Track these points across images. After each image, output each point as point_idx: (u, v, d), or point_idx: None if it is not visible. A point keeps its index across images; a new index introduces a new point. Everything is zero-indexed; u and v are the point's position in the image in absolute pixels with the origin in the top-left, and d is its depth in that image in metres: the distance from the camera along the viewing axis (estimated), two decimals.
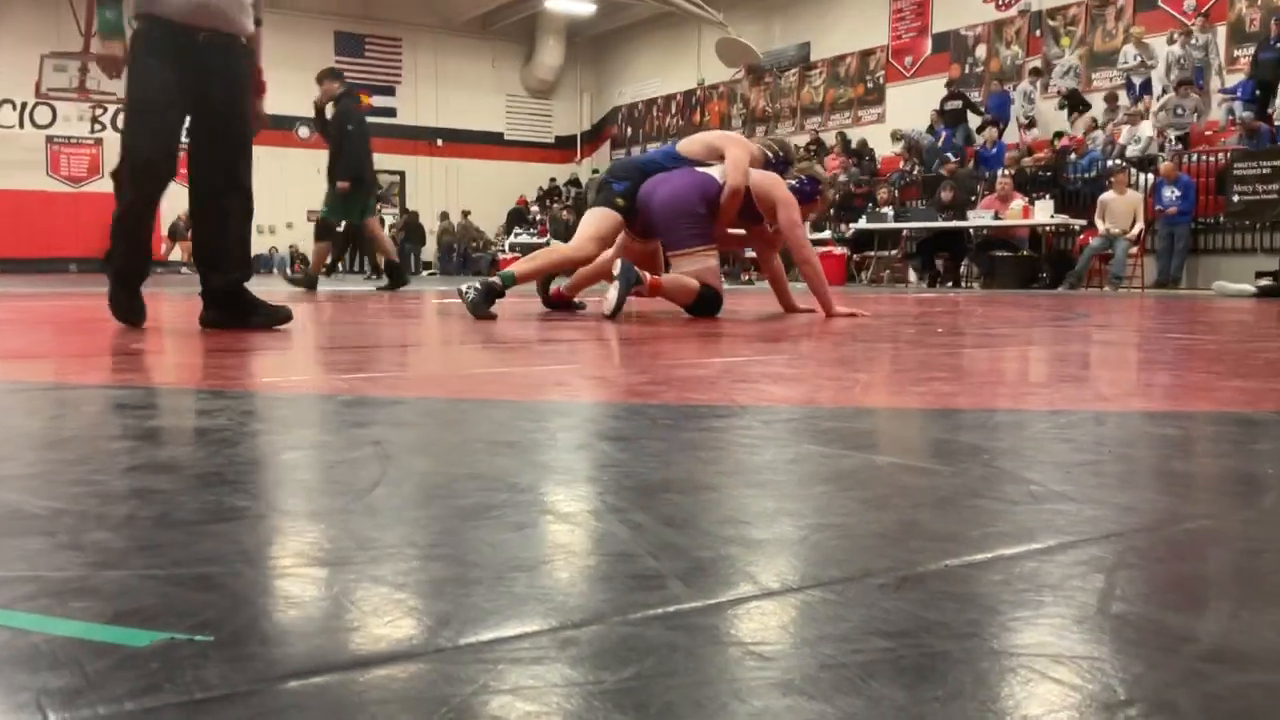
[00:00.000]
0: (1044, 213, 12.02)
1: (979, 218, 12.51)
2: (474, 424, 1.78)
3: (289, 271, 16.91)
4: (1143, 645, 0.72)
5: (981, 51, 16.84)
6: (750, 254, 11.54)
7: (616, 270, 4.76)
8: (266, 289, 5.59)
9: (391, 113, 23.94)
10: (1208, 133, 12.92)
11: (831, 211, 14.03)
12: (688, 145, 5.36)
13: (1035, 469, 1.36)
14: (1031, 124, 15.16)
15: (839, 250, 13.99)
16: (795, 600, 0.82)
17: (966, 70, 16.95)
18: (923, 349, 3.42)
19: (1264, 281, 9.38)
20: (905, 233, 13.86)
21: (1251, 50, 12.90)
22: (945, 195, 13.01)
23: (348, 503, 1.14)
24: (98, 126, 21.33)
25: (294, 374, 2.77)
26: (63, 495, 1.17)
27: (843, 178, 15.46)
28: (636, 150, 23.62)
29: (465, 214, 23.34)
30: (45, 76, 20.61)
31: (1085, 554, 0.95)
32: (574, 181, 25.12)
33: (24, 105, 20.78)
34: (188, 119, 3.87)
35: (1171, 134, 12.52)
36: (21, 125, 20.84)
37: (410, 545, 0.96)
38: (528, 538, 1.00)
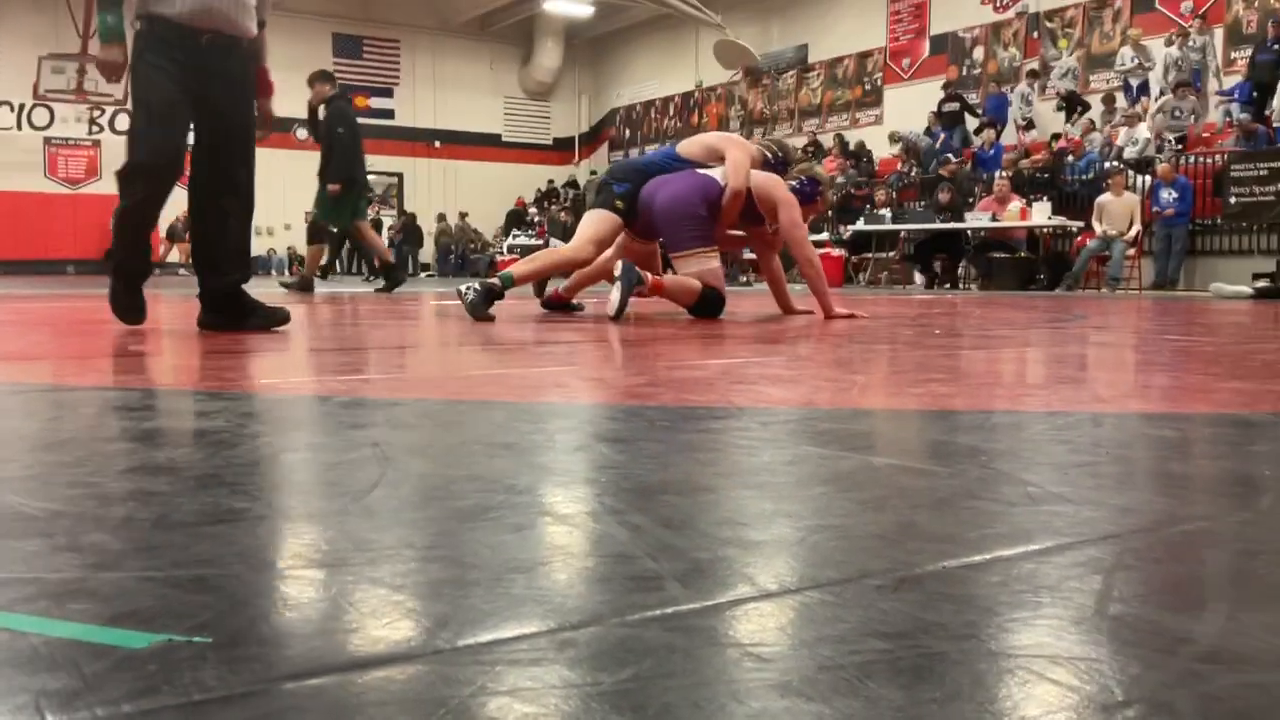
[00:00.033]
0: (1041, 214, 12.04)
1: (977, 219, 12.52)
2: (472, 426, 1.78)
3: (286, 274, 16.91)
4: (1140, 646, 0.72)
5: (979, 53, 16.85)
6: (749, 255, 11.55)
7: (618, 272, 4.77)
8: (265, 291, 5.59)
9: (389, 114, 23.95)
10: (1205, 135, 12.94)
11: (830, 213, 14.03)
12: (687, 147, 5.37)
13: (1033, 470, 1.36)
14: (1029, 126, 15.18)
15: (836, 252, 14.00)
16: (793, 602, 0.82)
17: (964, 72, 16.96)
18: (920, 350, 3.42)
19: (1261, 283, 9.40)
20: (903, 234, 13.86)
21: (1249, 52, 12.92)
22: (943, 197, 13.02)
23: (346, 504, 1.14)
24: (95, 128, 21.33)
25: (292, 376, 2.77)
26: (60, 497, 1.17)
27: (840, 179, 15.46)
28: (634, 152, 23.64)
29: (463, 215, 23.35)
30: (43, 78, 20.65)
31: (1083, 555, 0.95)
32: (572, 183, 25.14)
33: (22, 107, 20.78)
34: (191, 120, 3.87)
35: (1170, 136, 12.53)
36: (19, 127, 20.83)
37: (408, 547, 0.96)
38: (526, 539, 1.00)
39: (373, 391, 2.30)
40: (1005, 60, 16.40)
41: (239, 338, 3.63)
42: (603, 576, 0.88)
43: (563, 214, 21.30)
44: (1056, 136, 14.29)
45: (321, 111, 9.01)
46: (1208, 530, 1.07)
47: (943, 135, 15.85)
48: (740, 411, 1.90)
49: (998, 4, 16.53)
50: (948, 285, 12.97)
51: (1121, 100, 13.97)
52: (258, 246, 19.79)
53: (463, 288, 4.82)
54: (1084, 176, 12.99)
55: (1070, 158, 13.43)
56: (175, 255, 20.29)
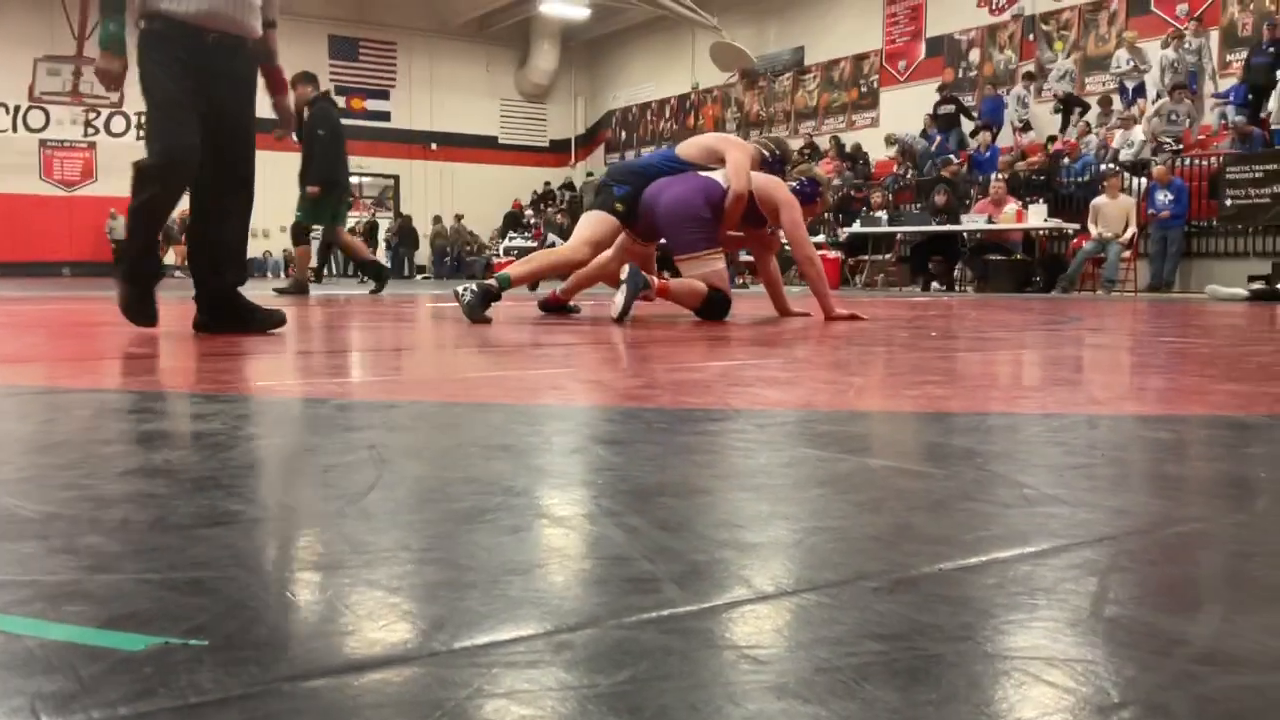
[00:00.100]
0: (1037, 216, 12.05)
1: (973, 221, 12.54)
2: (469, 428, 1.78)
3: (282, 277, 16.89)
4: (1135, 648, 0.72)
5: (975, 56, 16.88)
6: (745, 257, 11.56)
7: (624, 275, 4.78)
8: (260, 294, 5.59)
9: (386, 116, 23.95)
10: (1200, 137, 12.96)
11: (827, 215, 14.05)
12: (686, 149, 5.37)
13: (1028, 472, 1.37)
14: (1025, 128, 15.20)
15: (833, 254, 14.01)
16: (790, 604, 0.82)
17: (960, 74, 16.99)
18: (916, 353, 3.43)
19: (1256, 285, 9.41)
20: (899, 237, 13.88)
21: (1244, 55, 12.95)
22: (939, 199, 13.03)
23: (342, 506, 1.14)
24: (91, 130, 21.31)
25: (288, 378, 2.76)
26: (56, 499, 1.17)
27: (837, 182, 15.48)
28: (630, 154, 23.66)
29: (458, 218, 23.34)
30: (38, 80, 20.63)
31: (1078, 557, 0.95)
32: (568, 185, 25.14)
33: (17, 109, 20.75)
34: None
35: (1168, 139, 12.54)
36: (14, 129, 20.81)
37: (405, 549, 0.96)
38: (522, 541, 1.00)
39: (369, 394, 2.30)
40: (1001, 63, 16.43)
41: (235, 340, 3.62)
42: (599, 579, 0.88)
43: (559, 216, 21.30)
44: (1053, 139, 14.31)
45: (305, 113, 8.99)
46: (1203, 532, 1.07)
47: (939, 138, 15.88)
48: (737, 414, 1.90)
49: (994, 6, 16.56)
50: (944, 287, 12.98)
51: (1117, 103, 14.00)
52: (253, 249, 19.74)
53: (459, 289, 4.82)
54: (1080, 179, 13.00)
55: (1066, 160, 13.45)
56: (171, 257, 20.26)
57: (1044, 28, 15.89)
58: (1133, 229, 11.54)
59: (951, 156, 14.70)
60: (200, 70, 3.77)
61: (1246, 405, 2.14)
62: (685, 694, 0.63)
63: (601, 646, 0.71)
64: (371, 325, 5.06)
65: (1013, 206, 12.18)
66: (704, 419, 1.84)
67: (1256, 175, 11.33)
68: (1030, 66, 15.72)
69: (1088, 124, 13.98)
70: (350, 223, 22.61)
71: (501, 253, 20.38)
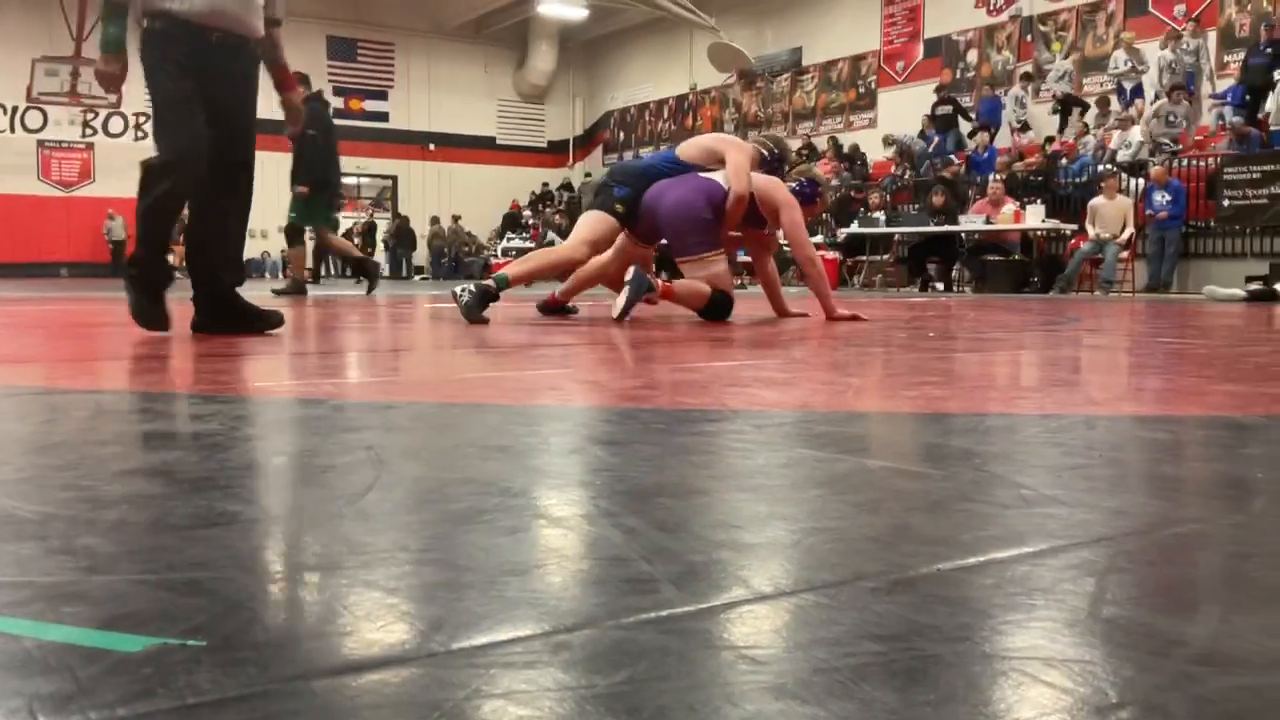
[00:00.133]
0: (1035, 217, 12.06)
1: (970, 222, 12.54)
2: (466, 428, 1.78)
3: (280, 277, 16.87)
4: (1134, 649, 0.72)
5: (973, 56, 16.89)
6: (743, 258, 11.56)
7: (629, 276, 4.80)
8: (258, 295, 5.58)
9: (384, 117, 23.95)
10: (1198, 138, 12.97)
11: (825, 216, 14.05)
12: (686, 149, 5.38)
13: (1026, 473, 1.37)
14: (1023, 129, 15.21)
15: (831, 255, 14.02)
16: (788, 604, 0.82)
17: (958, 75, 17.00)
18: (914, 353, 3.43)
19: (1254, 286, 9.42)
20: (897, 237, 13.88)
21: (1241, 55, 12.96)
22: (936, 200, 13.04)
23: (340, 507, 1.14)
24: (89, 131, 21.30)
25: (286, 379, 2.76)
26: (54, 500, 1.17)
27: (835, 183, 15.49)
28: (629, 155, 23.65)
29: (455, 218, 23.34)
30: (36, 80, 20.62)
31: (1076, 558, 0.95)
32: (566, 186, 25.14)
33: (15, 109, 20.74)
34: None
35: (1166, 140, 12.55)
36: (12, 129, 20.80)
37: (402, 550, 0.96)
38: (520, 542, 1.00)
39: (366, 394, 2.30)
40: (999, 63, 16.44)
41: (232, 341, 3.62)
42: (597, 579, 0.88)
43: (557, 216, 21.30)
44: (1050, 140, 14.33)
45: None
46: (1201, 533, 1.07)
47: (936, 139, 15.88)
48: (735, 414, 1.90)
49: (991, 7, 16.57)
50: (942, 288, 12.98)
51: (1115, 104, 14.01)
52: (252, 249, 19.75)
53: (458, 290, 4.82)
54: (1077, 180, 13.02)
55: (1064, 161, 13.46)
56: (170, 259, 20.20)
57: (1041, 28, 15.90)
58: (1130, 230, 11.55)
59: (952, 158, 14.70)
60: (203, 70, 3.76)
61: (1244, 406, 2.14)
62: (683, 694, 0.63)
63: (599, 647, 0.71)
64: (369, 326, 5.05)
65: (1010, 207, 12.19)
66: (702, 420, 1.84)
67: (1254, 176, 11.34)
68: (1028, 67, 15.73)
69: (1085, 125, 13.99)
70: (348, 223, 22.64)
71: (500, 253, 20.38)
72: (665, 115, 23.62)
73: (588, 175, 25.20)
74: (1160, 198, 11.58)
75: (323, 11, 22.64)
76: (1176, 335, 4.56)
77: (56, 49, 20.38)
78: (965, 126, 15.94)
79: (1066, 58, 15.36)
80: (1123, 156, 12.77)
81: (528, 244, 19.57)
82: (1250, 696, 0.65)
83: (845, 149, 17.69)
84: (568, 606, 0.81)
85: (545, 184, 25.26)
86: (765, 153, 5.43)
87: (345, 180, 23.67)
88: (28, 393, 2.26)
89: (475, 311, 4.67)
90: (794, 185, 5.37)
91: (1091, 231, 11.70)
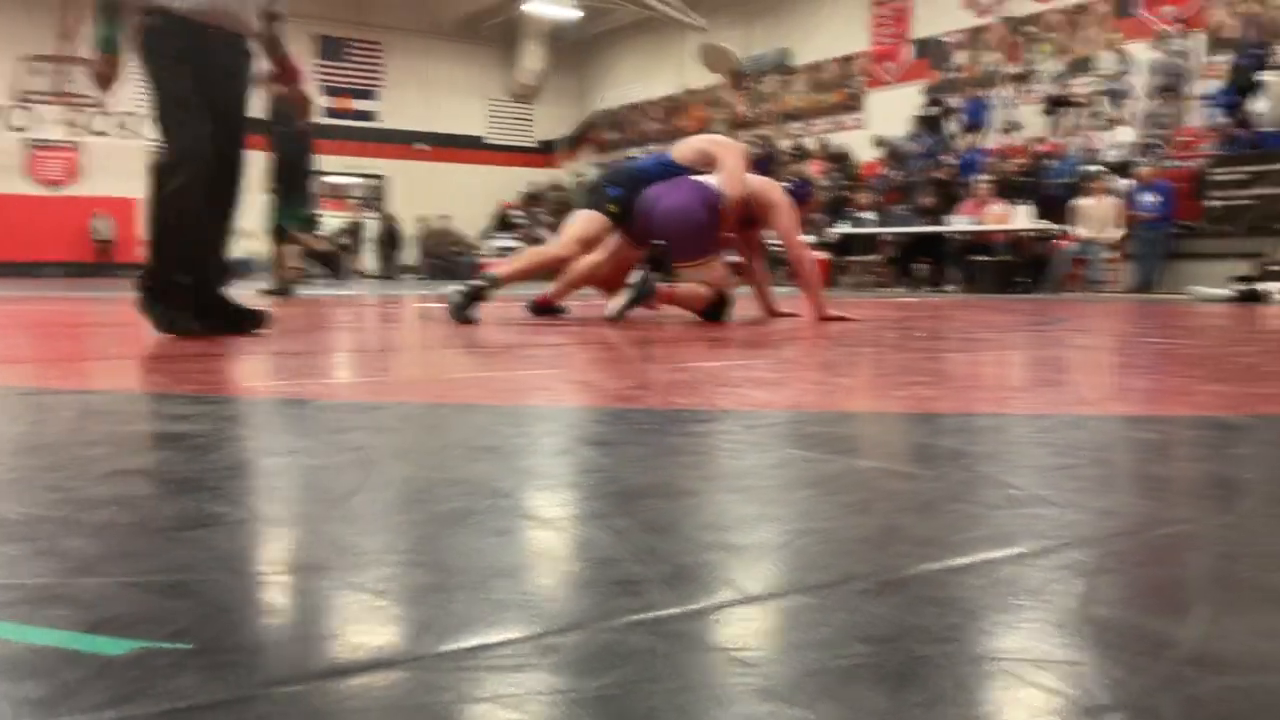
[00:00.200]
0: (1023, 218, 12.09)
1: (959, 223, 12.57)
2: (455, 429, 1.77)
3: (268, 277, 16.80)
4: (1124, 650, 0.72)
5: (961, 58, 16.92)
6: (732, 258, 11.55)
7: (632, 279, 4.86)
8: (247, 295, 5.56)
9: (373, 116, 23.89)
10: (1186, 138, 13.02)
11: (814, 216, 14.06)
12: (681, 151, 5.38)
13: (1015, 473, 1.37)
14: (1011, 129, 15.24)
15: (820, 255, 14.02)
16: (777, 606, 0.81)
17: (946, 76, 17.03)
18: (904, 353, 3.43)
19: (1240, 286, 9.46)
20: (886, 237, 13.90)
21: (1229, 57, 13.01)
22: (925, 201, 13.07)
23: (327, 509, 1.13)
24: (75, 130, 21.19)
25: (273, 379, 2.75)
26: (40, 502, 1.16)
27: (825, 183, 15.50)
28: (618, 155, 23.64)
29: (443, 218, 23.29)
30: (23, 79, 20.51)
31: (1066, 558, 0.95)
32: (556, 186, 25.12)
33: (0, 108, 20.63)
34: None
35: (1154, 140, 12.59)
36: None
37: (390, 552, 0.96)
38: (509, 544, 1.00)
39: (355, 395, 2.29)
40: (987, 65, 16.47)
41: (219, 341, 3.60)
42: (586, 581, 0.88)
43: (547, 216, 21.27)
44: (1038, 141, 14.36)
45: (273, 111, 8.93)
46: (1190, 533, 1.07)
47: (926, 140, 15.90)
48: (725, 415, 1.90)
49: (979, 9, 16.61)
50: (931, 288, 13.01)
51: (1103, 104, 14.04)
52: (240, 249, 19.67)
53: (448, 289, 4.81)
54: (1065, 180, 13.05)
55: (1051, 162, 13.49)
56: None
57: (1030, 30, 15.94)
58: (1116, 230, 11.59)
59: (948, 159, 14.70)
60: (200, 67, 3.74)
61: (1231, 406, 2.14)
62: (672, 697, 0.63)
63: (588, 649, 0.71)
64: (357, 326, 5.04)
65: (998, 208, 12.22)
66: (692, 420, 1.84)
67: (1241, 177, 11.39)
68: (1016, 68, 15.76)
69: (1074, 125, 14.02)
70: (337, 222, 22.54)
71: (491, 252, 20.34)
72: (656, 115, 23.59)
73: (579, 175, 25.18)
74: (1147, 198, 11.61)
75: (312, 10, 22.55)
76: (1163, 335, 4.58)
77: (43, 48, 20.27)
78: (953, 127, 15.96)
79: (1054, 59, 15.39)
80: (1110, 157, 12.81)
81: (516, 244, 19.52)
82: (1241, 698, 0.65)
83: (834, 150, 17.70)
84: (556, 608, 0.80)
85: (534, 184, 25.21)
86: (757, 153, 5.45)
87: (335, 180, 23.72)
88: (14, 393, 2.25)
89: (465, 312, 4.66)
90: (787, 185, 5.41)
91: (1078, 232, 11.73)
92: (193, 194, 3.73)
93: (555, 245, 5.33)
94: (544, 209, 22.61)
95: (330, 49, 23.32)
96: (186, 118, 3.69)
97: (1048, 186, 13.11)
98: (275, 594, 0.85)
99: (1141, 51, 13.60)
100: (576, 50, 25.54)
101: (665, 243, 5.19)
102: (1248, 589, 0.89)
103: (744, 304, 5.38)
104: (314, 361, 3.18)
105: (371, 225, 23.65)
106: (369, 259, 23.23)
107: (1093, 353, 3.68)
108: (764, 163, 5.52)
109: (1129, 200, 11.86)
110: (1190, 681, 0.67)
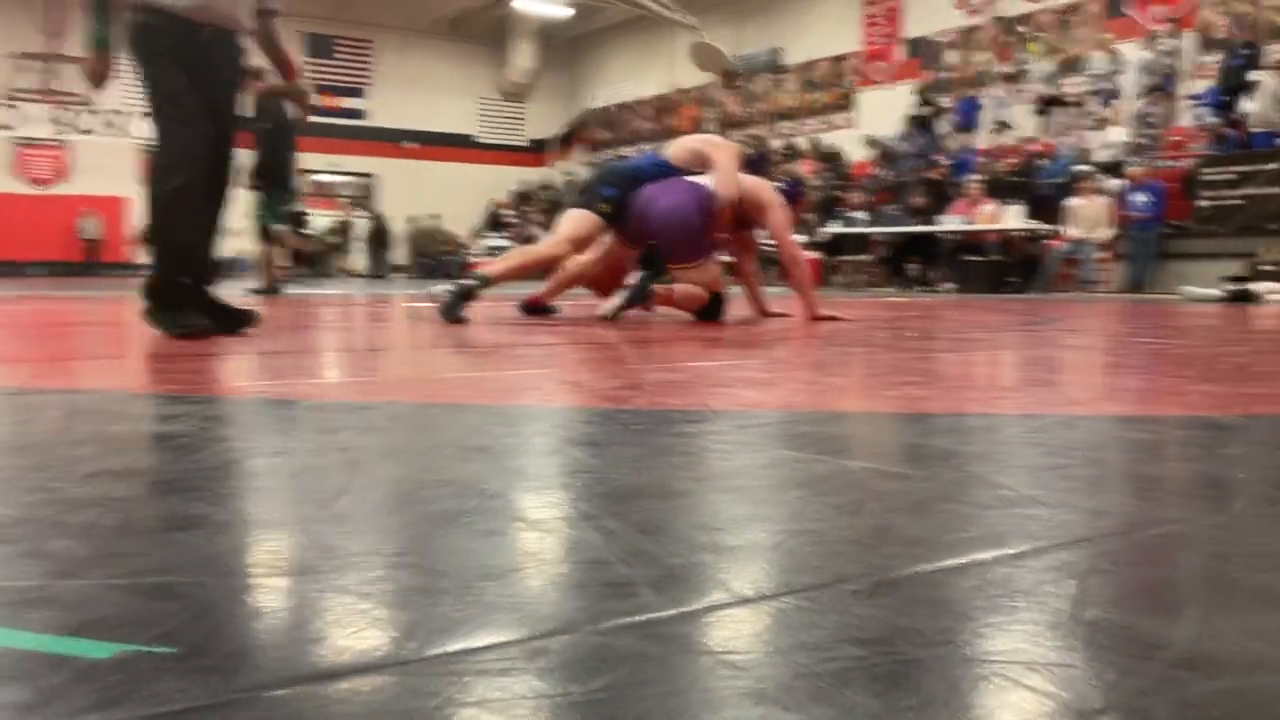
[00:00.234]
0: (1014, 218, 12.11)
1: (950, 223, 12.59)
2: (444, 429, 1.76)
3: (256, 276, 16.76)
4: (1116, 652, 0.71)
5: (952, 57, 16.95)
6: (724, 258, 11.57)
7: (632, 279, 4.89)
8: (235, 294, 5.55)
9: (361, 114, 23.85)
10: (1176, 138, 13.06)
11: (807, 216, 14.07)
12: (674, 152, 5.38)
13: (1007, 473, 1.36)
14: (1002, 129, 15.27)
15: (811, 255, 14.03)
16: (768, 608, 0.81)
17: (937, 76, 17.05)
18: (895, 353, 3.43)
19: (1230, 286, 9.49)
20: (878, 237, 13.92)
21: (1219, 57, 13.05)
22: (917, 201, 13.09)
23: (313, 510, 1.12)
24: (63, 128, 21.12)
25: (260, 379, 2.74)
26: (22, 503, 1.15)
27: (816, 183, 15.50)
28: (610, 154, 23.63)
29: (433, 217, 23.25)
30: (10, 77, 20.42)
31: (1057, 559, 0.94)
32: (547, 185, 25.10)
33: None
34: None
35: (1145, 140, 12.62)
36: None
37: (377, 554, 0.95)
38: (497, 545, 0.99)
39: (343, 395, 2.28)
40: (978, 64, 16.50)
41: (206, 340, 3.59)
42: (576, 583, 0.87)
43: (538, 215, 21.25)
44: (1030, 140, 14.38)
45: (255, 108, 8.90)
46: (1181, 534, 1.07)
47: (917, 139, 15.92)
48: (716, 415, 1.89)
49: (970, 8, 16.64)
50: (922, 288, 13.03)
51: (1093, 104, 14.07)
52: (228, 248, 19.60)
53: (437, 289, 4.80)
54: (1056, 180, 13.07)
55: (1043, 161, 13.51)
56: (145, 257, 20.07)
57: (1020, 30, 15.97)
58: (1107, 229, 11.61)
59: (940, 159, 14.72)
60: (193, 65, 3.71)
61: (1222, 406, 2.15)
62: (662, 701, 0.62)
63: (577, 653, 0.70)
64: (346, 326, 5.02)
65: (989, 208, 12.24)
66: (683, 420, 1.83)
67: (1231, 177, 11.42)
68: (1007, 68, 15.79)
69: (1064, 125, 14.05)
70: (325, 221, 22.46)
71: (480, 251, 20.32)
72: (647, 114, 23.60)
73: (569, 174, 25.17)
74: (1138, 198, 11.64)
75: (300, 8, 22.46)
76: (1154, 335, 4.59)
77: (30, 45, 20.19)
78: (945, 127, 15.99)
79: (1045, 59, 15.42)
80: (1101, 157, 12.84)
81: (506, 242, 19.51)
82: (1233, 700, 0.64)
83: (825, 149, 17.72)
84: (545, 611, 0.80)
85: (525, 183, 25.20)
86: (749, 152, 5.45)
87: (324, 179, 23.67)
88: (0, 393, 2.23)
89: (454, 311, 4.65)
90: (779, 185, 5.41)
91: (1069, 232, 11.76)
92: (193, 193, 3.70)
93: (546, 244, 5.33)
94: (535, 208, 22.59)
95: (318, 47, 23.26)
96: (182, 116, 3.67)
97: (1039, 186, 13.14)
98: (261, 596, 0.84)
99: (1132, 51, 13.64)
100: (567, 49, 25.53)
101: (655, 243, 5.20)
102: (1239, 589, 0.88)
103: (736, 304, 5.38)
104: (302, 361, 3.17)
105: (361, 224, 23.62)
106: (358, 258, 23.19)
107: (1084, 353, 3.69)
108: (757, 163, 5.50)
109: (1120, 200, 11.89)
110: (1182, 683, 0.66)
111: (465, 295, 4.73)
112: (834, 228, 14.24)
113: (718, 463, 1.45)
